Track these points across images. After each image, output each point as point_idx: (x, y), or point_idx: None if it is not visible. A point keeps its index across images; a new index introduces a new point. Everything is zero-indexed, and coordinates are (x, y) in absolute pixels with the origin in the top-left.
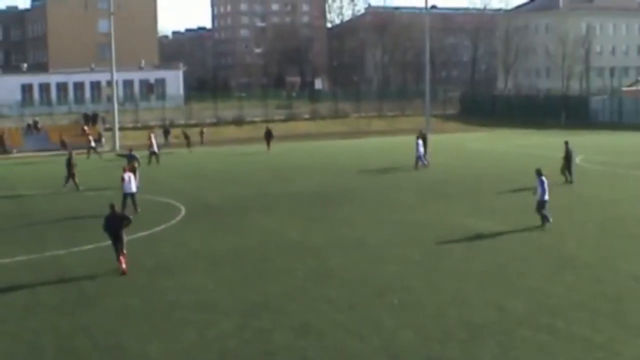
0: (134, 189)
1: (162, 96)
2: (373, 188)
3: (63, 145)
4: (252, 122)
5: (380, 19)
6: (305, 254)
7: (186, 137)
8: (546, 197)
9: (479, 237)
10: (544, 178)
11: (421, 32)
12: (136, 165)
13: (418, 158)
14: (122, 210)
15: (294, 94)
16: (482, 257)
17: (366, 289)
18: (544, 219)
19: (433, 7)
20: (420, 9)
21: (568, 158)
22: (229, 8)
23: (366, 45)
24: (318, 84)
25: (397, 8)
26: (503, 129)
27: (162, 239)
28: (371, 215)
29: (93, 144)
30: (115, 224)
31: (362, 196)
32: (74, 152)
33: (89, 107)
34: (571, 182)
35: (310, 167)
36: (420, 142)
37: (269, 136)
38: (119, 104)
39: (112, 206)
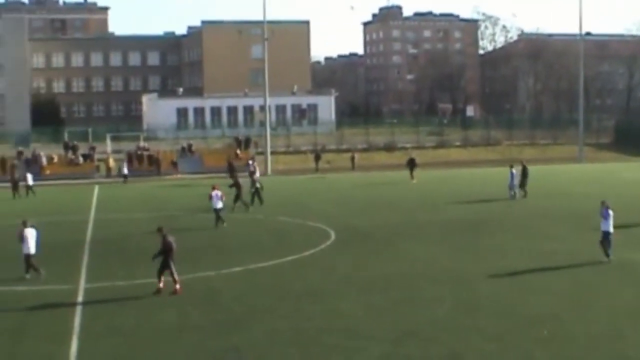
0: (219, 205)
1: (314, 121)
2: (523, 216)
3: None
4: (403, 149)
5: (533, 46)
6: (455, 283)
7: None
8: (611, 229)
9: (633, 269)
10: (610, 210)
11: (575, 59)
12: (257, 187)
13: (509, 187)
14: (215, 224)
15: (445, 121)
16: (635, 290)
17: (516, 319)
18: (605, 252)
19: (587, 33)
20: (574, 35)
21: None
22: (381, 35)
23: (519, 72)
24: (470, 111)
25: (550, 35)
26: None
27: (311, 263)
28: (521, 244)
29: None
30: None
31: (512, 224)
32: (237, 173)
33: (242, 131)
34: None
35: (460, 195)
36: (515, 172)
37: (412, 164)
38: (271, 128)
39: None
